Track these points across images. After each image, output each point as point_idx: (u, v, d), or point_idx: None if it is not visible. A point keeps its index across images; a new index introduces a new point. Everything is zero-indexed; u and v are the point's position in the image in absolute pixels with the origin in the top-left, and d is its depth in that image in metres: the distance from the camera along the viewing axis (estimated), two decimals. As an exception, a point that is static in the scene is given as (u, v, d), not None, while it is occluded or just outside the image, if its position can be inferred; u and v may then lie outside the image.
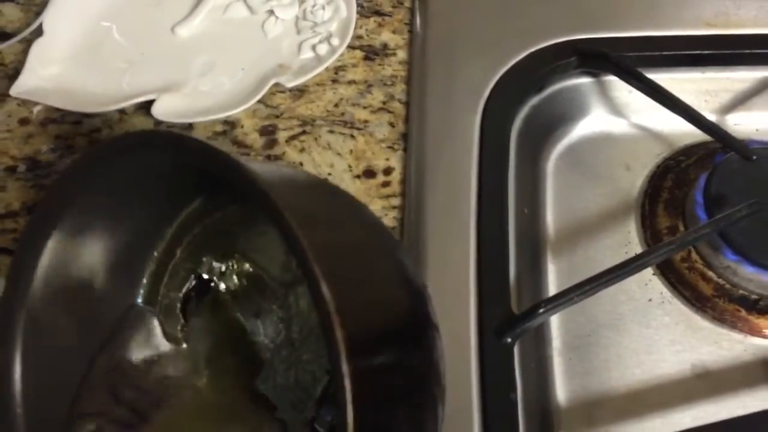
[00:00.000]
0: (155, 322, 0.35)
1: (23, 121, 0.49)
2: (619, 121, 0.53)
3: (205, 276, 0.36)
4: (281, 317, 0.34)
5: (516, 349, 0.41)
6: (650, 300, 0.46)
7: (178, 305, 0.35)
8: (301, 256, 0.22)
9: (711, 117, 0.49)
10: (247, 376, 0.34)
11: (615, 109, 0.53)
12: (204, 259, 0.35)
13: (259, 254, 0.34)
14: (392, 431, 0.27)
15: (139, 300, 0.35)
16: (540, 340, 0.45)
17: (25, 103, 0.49)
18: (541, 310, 0.40)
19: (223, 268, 0.35)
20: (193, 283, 0.35)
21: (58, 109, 0.48)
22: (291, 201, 0.24)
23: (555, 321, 0.46)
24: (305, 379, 0.32)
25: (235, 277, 0.35)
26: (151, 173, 0.30)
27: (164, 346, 0.35)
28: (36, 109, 0.49)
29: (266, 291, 0.34)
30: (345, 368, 0.23)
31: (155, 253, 0.35)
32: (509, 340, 0.40)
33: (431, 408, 0.29)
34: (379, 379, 0.26)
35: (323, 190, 0.31)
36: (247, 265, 0.34)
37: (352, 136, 0.49)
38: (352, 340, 0.23)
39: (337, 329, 0.23)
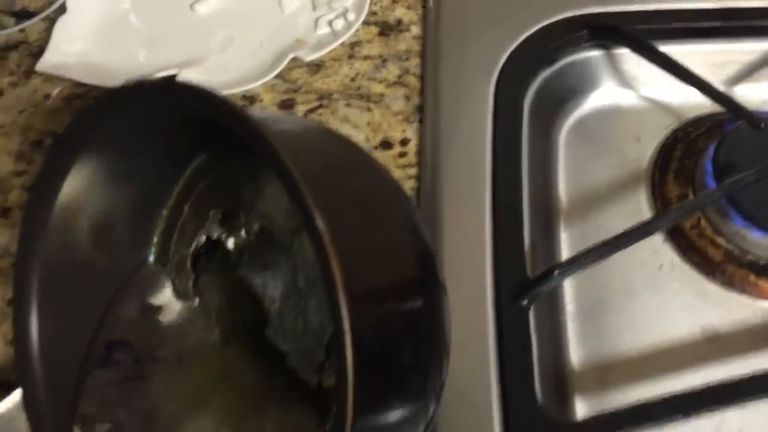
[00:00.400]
0: (166, 280, 0.36)
1: (48, 97, 0.50)
2: (629, 93, 0.54)
3: (214, 235, 0.36)
4: (288, 267, 0.35)
5: (531, 313, 0.42)
6: (661, 266, 0.47)
7: (189, 261, 0.36)
8: (292, 185, 0.23)
9: (719, 89, 0.50)
10: (257, 329, 0.35)
11: (625, 81, 0.53)
12: (211, 213, 0.36)
13: (264, 204, 0.35)
14: (393, 377, 0.27)
15: (151, 258, 0.36)
16: (553, 306, 0.46)
17: (49, 79, 0.50)
18: (556, 273, 0.41)
19: (230, 223, 0.36)
20: (203, 239, 0.36)
21: (82, 85, 0.50)
22: (288, 140, 0.25)
23: (568, 287, 0.47)
24: (313, 326, 0.33)
25: (241, 232, 0.36)
26: (156, 125, 0.31)
27: (176, 303, 0.36)
28: (56, 90, 0.50)
29: (273, 242, 0.35)
30: (342, 299, 0.23)
31: (164, 212, 0.36)
32: (525, 303, 0.42)
33: (435, 363, 0.29)
34: (380, 324, 0.26)
35: (329, 136, 0.32)
36: (252, 218, 0.35)
37: (369, 109, 0.50)
38: (351, 279, 0.23)
39: (334, 263, 0.23)
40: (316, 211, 0.23)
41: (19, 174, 0.47)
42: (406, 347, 0.28)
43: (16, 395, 0.36)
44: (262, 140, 0.24)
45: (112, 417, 0.33)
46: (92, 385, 0.33)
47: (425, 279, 0.29)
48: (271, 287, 0.35)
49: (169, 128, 0.31)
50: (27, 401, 0.32)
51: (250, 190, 0.35)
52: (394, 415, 0.28)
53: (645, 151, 0.52)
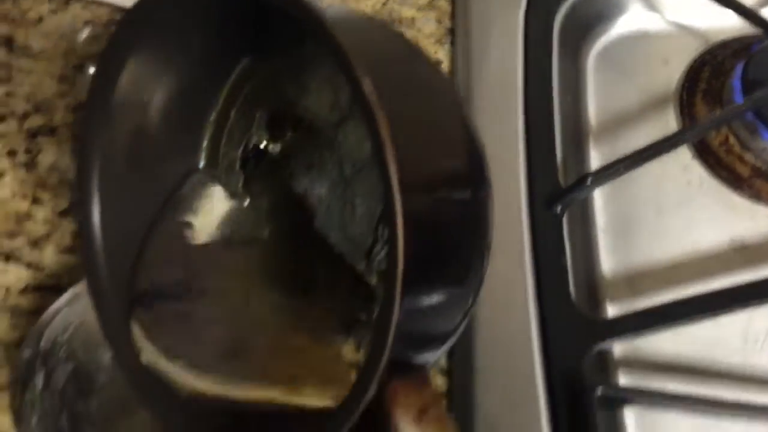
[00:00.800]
0: (217, 185, 0.38)
1: (87, 23, 0.51)
2: (656, 17, 0.54)
3: (260, 140, 0.38)
4: (333, 160, 0.36)
5: (564, 221, 0.43)
6: (689, 182, 0.48)
7: (237, 164, 0.37)
8: (339, 51, 0.23)
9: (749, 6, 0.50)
10: (306, 226, 0.36)
11: (651, 5, 0.54)
12: (257, 115, 0.37)
13: (308, 100, 0.36)
14: (439, 261, 0.27)
15: (201, 164, 0.38)
16: (585, 219, 0.47)
17: (88, 5, 0.52)
18: (589, 180, 0.42)
19: (275, 127, 0.37)
20: (251, 144, 0.37)
21: (120, 10, 0.51)
22: (339, 17, 0.25)
23: (598, 202, 0.48)
24: (361, 213, 0.34)
25: (286, 135, 0.37)
26: (206, 18, 0.31)
27: (225, 205, 0.38)
28: (95, 16, 0.51)
29: (317, 141, 0.36)
30: (393, 168, 0.23)
31: (211, 117, 0.37)
32: (558, 209, 0.43)
33: (478, 256, 0.30)
34: (429, 206, 0.27)
35: (380, 25, 0.32)
36: (297, 115, 0.36)
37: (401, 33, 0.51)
38: (401, 153, 0.23)
39: (383, 127, 0.23)
40: (364, 78, 0.23)
41: (62, 95, 0.48)
42: (452, 234, 0.28)
43: (71, 292, 0.38)
44: (311, 13, 0.25)
45: (167, 304, 0.34)
46: (149, 275, 0.35)
47: (475, 171, 0.30)
48: (317, 184, 0.36)
49: (217, 24, 0.32)
50: (92, 290, 0.33)
51: (294, 87, 0.36)
52: (438, 299, 0.28)
53: (673, 74, 0.52)
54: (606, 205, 0.48)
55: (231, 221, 0.37)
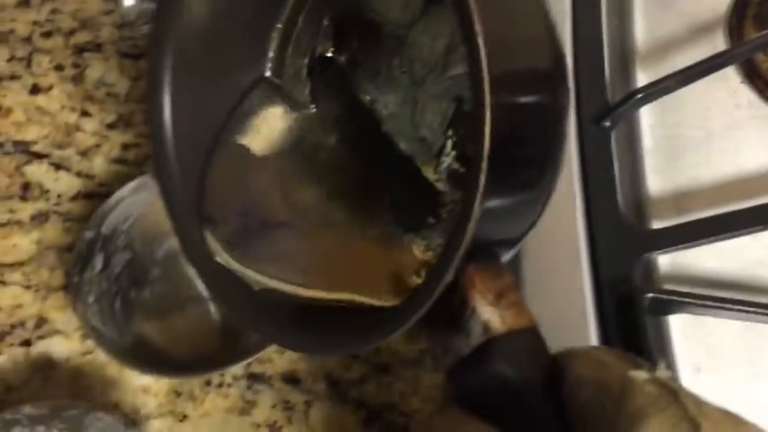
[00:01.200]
0: (281, 98, 0.38)
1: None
2: (707, -59, 0.53)
3: (328, 52, 0.37)
4: (402, 64, 0.35)
5: (612, 135, 0.43)
6: (737, 105, 0.48)
7: (304, 72, 0.37)
8: None
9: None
10: (372, 132, 0.36)
11: (702, -71, 0.53)
12: (324, 21, 0.36)
13: (378, 2, 0.35)
14: (518, 162, 0.27)
15: (268, 73, 0.38)
16: (631, 140, 0.47)
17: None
18: (638, 96, 0.42)
19: (342, 32, 0.37)
20: (318, 53, 0.37)
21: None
22: None
23: (645, 122, 0.48)
24: (432, 114, 0.34)
25: (353, 41, 0.37)
26: None
27: (291, 118, 0.38)
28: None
29: (385, 44, 0.36)
30: (483, 56, 0.23)
31: (278, 25, 0.37)
32: (608, 124, 0.42)
33: (552, 163, 0.29)
34: (514, 106, 0.27)
35: None
36: (365, 21, 0.36)
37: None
38: (491, 48, 0.23)
39: (479, 31, 0.23)
40: None
41: (107, 13, 0.48)
42: (532, 137, 0.28)
43: (136, 181, 0.38)
44: None
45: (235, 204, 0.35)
46: (217, 176, 0.35)
47: (557, 72, 0.29)
48: (385, 90, 0.36)
49: None
50: (160, 181, 0.34)
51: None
52: (514, 200, 0.28)
53: (721, -1, 0.51)
54: (653, 128, 0.47)
55: (296, 133, 0.37)
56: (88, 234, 0.37)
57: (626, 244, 0.39)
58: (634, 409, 0.23)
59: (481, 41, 0.24)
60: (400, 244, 0.33)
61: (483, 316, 0.26)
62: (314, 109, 0.37)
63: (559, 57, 0.29)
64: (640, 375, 0.24)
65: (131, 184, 0.38)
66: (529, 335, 0.27)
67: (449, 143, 0.34)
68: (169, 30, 0.33)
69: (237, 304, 0.33)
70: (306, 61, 0.37)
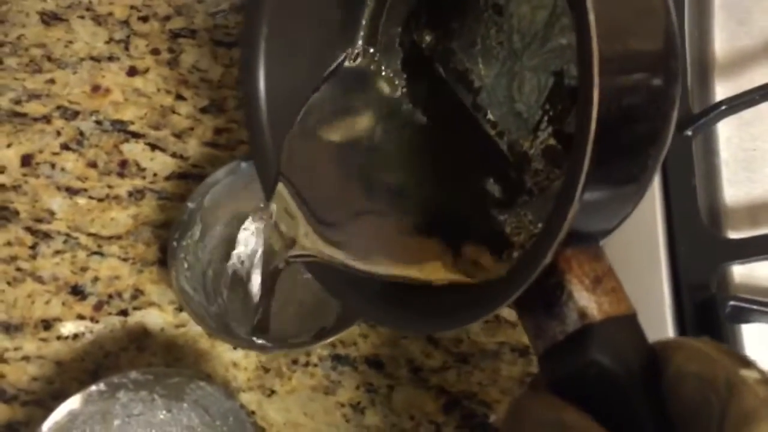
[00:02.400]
0: (372, 67, 0.38)
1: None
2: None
3: (422, 22, 0.38)
4: (499, 36, 0.35)
5: (694, 145, 0.43)
6: (816, 122, 0.48)
7: (397, 41, 0.37)
8: None
9: None
10: (463, 109, 0.36)
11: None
12: None
13: None
14: (623, 147, 0.26)
15: (360, 42, 0.38)
16: (708, 150, 0.47)
17: None
18: (723, 107, 0.42)
19: (436, 10, 0.37)
20: (412, 24, 0.37)
21: None
22: None
23: (722, 134, 0.48)
24: (531, 87, 0.33)
25: (449, 10, 0.36)
26: None
27: (383, 90, 0.38)
28: None
29: (482, 15, 0.35)
30: (593, 35, 0.22)
31: None
32: (689, 133, 0.43)
33: (655, 152, 0.28)
34: (623, 87, 0.25)
35: None
36: None
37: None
38: (601, 27, 0.22)
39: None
40: None
41: (200, 1, 0.50)
42: (640, 122, 0.27)
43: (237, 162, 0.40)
44: None
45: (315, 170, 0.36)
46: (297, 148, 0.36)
47: (670, 60, 0.27)
48: (480, 62, 0.35)
49: None
50: (254, 148, 0.36)
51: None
52: (616, 186, 0.27)
53: (802, 15, 0.52)
54: (729, 140, 0.48)
55: (386, 107, 0.37)
56: (191, 204, 0.39)
57: (706, 251, 0.39)
58: (743, 410, 0.22)
59: (592, 17, 0.22)
60: (484, 226, 0.33)
61: (579, 302, 0.25)
62: (404, 83, 0.38)
63: (671, 34, 0.27)
64: (752, 375, 0.22)
65: (232, 164, 0.39)
66: (627, 323, 0.26)
67: (546, 118, 0.33)
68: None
69: (323, 275, 0.34)
70: (399, 30, 0.38)
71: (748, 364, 0.23)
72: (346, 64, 0.38)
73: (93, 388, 0.33)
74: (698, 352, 0.24)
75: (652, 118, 0.27)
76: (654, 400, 0.25)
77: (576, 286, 0.25)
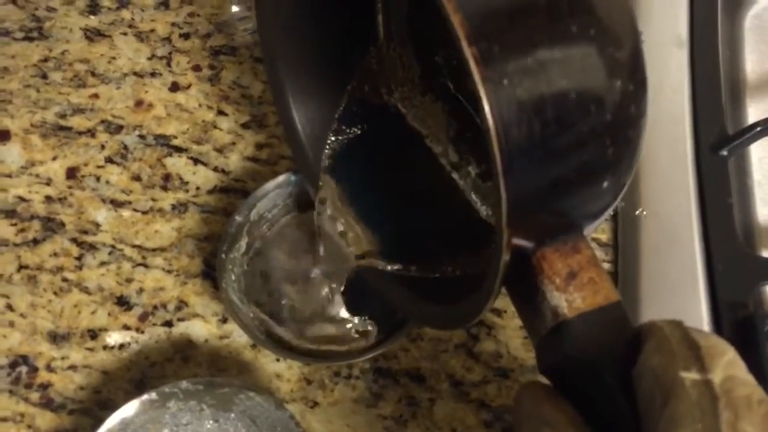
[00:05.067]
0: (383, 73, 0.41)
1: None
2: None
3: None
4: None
5: (729, 165, 0.44)
6: None
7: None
8: None
9: None
10: None
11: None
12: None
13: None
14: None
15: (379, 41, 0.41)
16: (741, 171, 0.48)
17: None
18: (758, 128, 0.43)
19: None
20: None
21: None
22: None
23: (754, 155, 0.49)
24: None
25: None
26: None
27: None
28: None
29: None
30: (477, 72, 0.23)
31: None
32: (725, 153, 0.44)
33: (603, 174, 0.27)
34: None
35: None
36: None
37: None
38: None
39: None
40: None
41: (241, 18, 0.51)
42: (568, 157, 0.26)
43: (283, 176, 0.41)
44: None
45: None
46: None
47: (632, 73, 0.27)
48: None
49: None
50: (298, 165, 0.38)
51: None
52: (559, 190, 0.27)
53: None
54: (761, 161, 0.49)
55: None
56: (238, 218, 0.39)
57: (744, 271, 0.40)
58: (671, 417, 0.21)
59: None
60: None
61: (552, 302, 0.26)
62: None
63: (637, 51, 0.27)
64: (690, 376, 0.22)
65: (279, 179, 0.40)
66: (603, 315, 0.26)
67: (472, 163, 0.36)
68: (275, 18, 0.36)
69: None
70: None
71: (694, 362, 0.22)
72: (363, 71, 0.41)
73: (145, 396, 0.33)
74: (662, 343, 0.24)
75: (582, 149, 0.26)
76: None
77: (548, 286, 0.27)
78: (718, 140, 0.44)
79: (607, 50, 0.26)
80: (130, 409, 0.33)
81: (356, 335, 0.38)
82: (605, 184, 0.27)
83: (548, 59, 0.24)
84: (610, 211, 0.30)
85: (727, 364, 0.23)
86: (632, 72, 0.27)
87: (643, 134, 0.28)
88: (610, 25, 0.26)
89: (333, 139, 0.40)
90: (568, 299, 0.26)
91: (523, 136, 0.24)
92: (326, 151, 0.40)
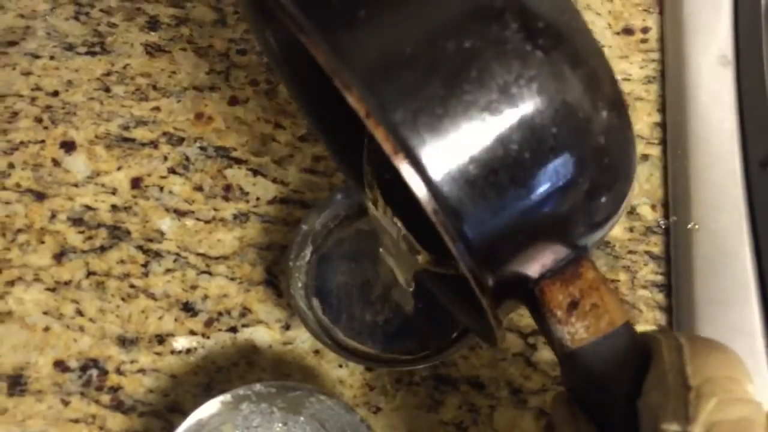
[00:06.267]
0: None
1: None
2: None
3: None
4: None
5: (777, 181, 0.45)
6: None
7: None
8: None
9: None
10: None
11: None
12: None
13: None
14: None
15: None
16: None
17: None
18: (807, 145, 0.44)
19: None
20: None
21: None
22: None
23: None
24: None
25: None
26: None
27: None
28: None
29: None
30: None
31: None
32: (775, 170, 0.45)
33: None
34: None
35: None
36: None
37: (610, 0, 0.54)
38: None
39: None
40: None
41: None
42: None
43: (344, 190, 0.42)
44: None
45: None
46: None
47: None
48: None
49: None
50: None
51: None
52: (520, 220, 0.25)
53: None
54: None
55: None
56: (304, 227, 0.41)
57: (797, 284, 0.41)
58: None
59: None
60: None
61: (556, 335, 0.27)
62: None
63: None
64: (671, 428, 0.23)
65: (342, 189, 0.42)
66: (607, 342, 0.26)
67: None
68: None
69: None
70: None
71: (680, 407, 0.24)
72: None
73: (221, 398, 0.35)
74: (660, 379, 0.25)
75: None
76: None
77: (551, 319, 0.27)
78: (766, 156, 0.45)
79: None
80: (206, 410, 0.34)
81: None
82: (584, 214, 0.26)
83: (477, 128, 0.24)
84: (612, 224, 0.29)
85: (715, 409, 0.23)
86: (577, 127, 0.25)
87: (615, 167, 0.27)
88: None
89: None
90: (570, 332, 0.27)
91: (460, 203, 0.24)
92: (365, 166, 0.40)
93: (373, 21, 0.24)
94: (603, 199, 0.26)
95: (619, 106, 0.25)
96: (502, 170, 0.24)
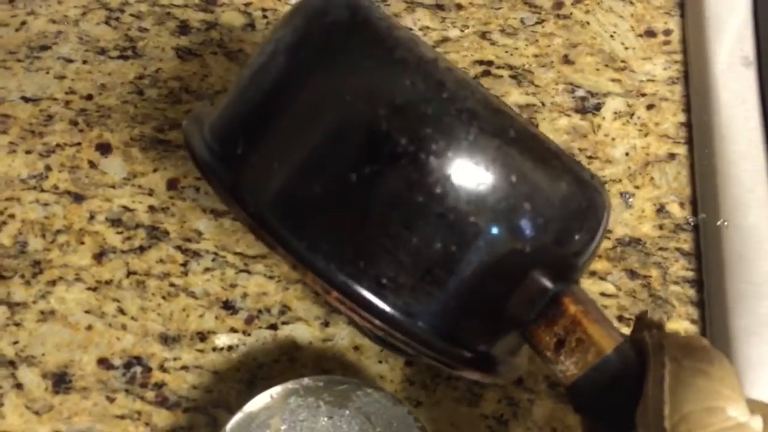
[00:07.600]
0: None
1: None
2: None
3: None
4: None
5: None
6: None
7: None
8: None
9: None
10: None
11: None
12: None
13: None
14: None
15: None
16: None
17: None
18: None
19: None
20: None
21: None
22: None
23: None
24: None
25: None
26: None
27: None
28: None
29: None
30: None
31: None
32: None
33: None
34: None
35: None
36: None
37: (632, 3, 0.55)
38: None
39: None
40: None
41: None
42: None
43: None
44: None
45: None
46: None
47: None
48: None
49: None
50: None
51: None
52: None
53: None
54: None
55: None
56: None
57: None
58: None
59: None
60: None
61: (552, 370, 0.29)
62: None
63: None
64: None
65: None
66: (597, 372, 0.27)
67: None
68: None
69: None
70: None
71: None
72: None
73: (271, 391, 0.35)
74: (643, 415, 0.25)
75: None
76: None
77: (544, 359, 0.29)
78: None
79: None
80: (256, 403, 0.35)
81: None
82: (542, 267, 0.28)
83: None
84: (586, 259, 0.31)
85: None
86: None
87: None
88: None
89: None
90: (561, 369, 0.28)
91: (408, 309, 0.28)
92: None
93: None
94: (557, 249, 0.28)
95: (544, 166, 0.28)
96: (435, 268, 0.27)
